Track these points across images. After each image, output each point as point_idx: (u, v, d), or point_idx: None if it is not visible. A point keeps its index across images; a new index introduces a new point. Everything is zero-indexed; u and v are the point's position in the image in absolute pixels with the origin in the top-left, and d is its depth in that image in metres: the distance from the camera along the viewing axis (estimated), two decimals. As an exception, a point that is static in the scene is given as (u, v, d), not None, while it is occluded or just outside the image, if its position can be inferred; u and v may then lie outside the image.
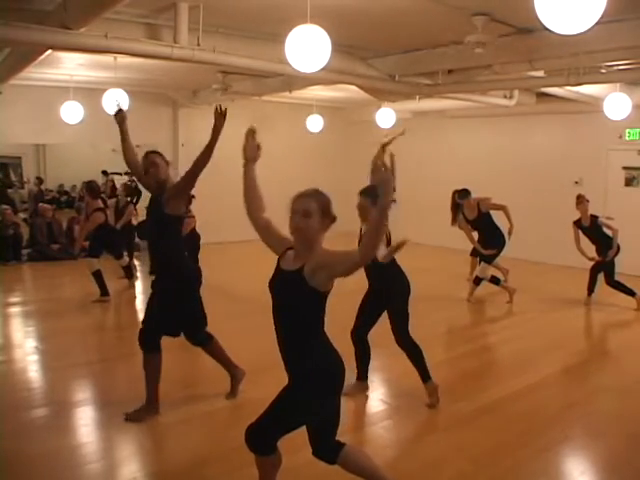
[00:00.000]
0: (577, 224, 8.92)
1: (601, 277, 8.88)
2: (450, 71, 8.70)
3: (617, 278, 8.77)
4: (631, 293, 8.74)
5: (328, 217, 3.18)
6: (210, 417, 4.97)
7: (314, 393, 3.07)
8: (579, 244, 8.92)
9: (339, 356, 3.13)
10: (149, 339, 4.93)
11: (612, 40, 6.04)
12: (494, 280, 9.15)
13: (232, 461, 4.18)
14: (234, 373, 5.33)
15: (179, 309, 4.90)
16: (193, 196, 8.60)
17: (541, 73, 8.18)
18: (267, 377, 5.60)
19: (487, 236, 8.93)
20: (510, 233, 8.77)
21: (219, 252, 11.89)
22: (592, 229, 8.80)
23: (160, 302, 4.92)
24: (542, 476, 4.20)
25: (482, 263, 9.11)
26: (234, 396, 5.28)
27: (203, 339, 5.21)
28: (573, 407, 5.40)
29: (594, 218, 8.81)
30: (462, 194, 8.99)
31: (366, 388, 5.48)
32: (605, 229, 8.78)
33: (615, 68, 7.86)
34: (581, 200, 8.86)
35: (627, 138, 11.47)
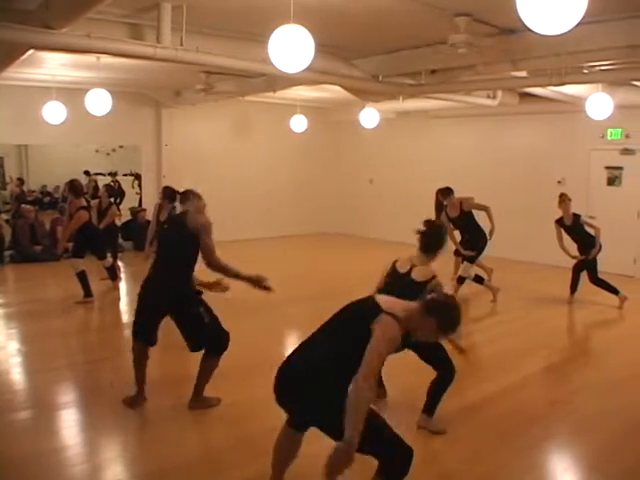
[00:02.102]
0: (559, 222, 9.00)
1: (584, 276, 8.94)
2: (433, 71, 8.72)
3: (600, 276, 8.84)
4: (614, 291, 8.82)
5: None
6: (198, 418, 4.95)
7: None
8: (562, 242, 9.00)
9: None
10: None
11: (594, 41, 6.09)
12: (478, 279, 9.20)
13: (219, 462, 4.18)
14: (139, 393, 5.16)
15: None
16: (178, 192, 8.63)
17: (524, 73, 8.23)
18: (259, 378, 5.61)
19: (469, 235, 8.98)
20: (491, 234, 8.82)
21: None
22: (574, 227, 8.88)
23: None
24: (526, 473, 4.23)
25: (464, 262, 9.16)
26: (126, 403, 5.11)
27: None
28: (557, 405, 5.44)
29: (576, 217, 8.90)
30: (446, 192, 9.03)
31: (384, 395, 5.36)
32: (587, 228, 8.85)
33: (597, 68, 7.91)
34: (563, 199, 8.95)
35: (609, 138, 11.57)
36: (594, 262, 8.84)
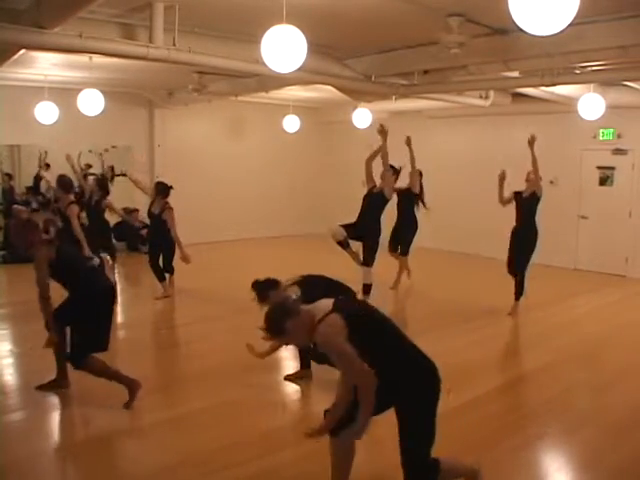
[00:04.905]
0: (516, 194, 8.93)
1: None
2: (426, 71, 8.75)
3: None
4: (518, 295, 8.51)
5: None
6: (186, 420, 4.93)
7: None
8: (502, 198, 8.98)
9: None
10: None
11: (586, 41, 6.11)
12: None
13: (206, 464, 4.17)
14: (129, 385, 5.15)
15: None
16: (171, 186, 8.89)
17: (516, 73, 8.25)
18: (247, 378, 5.62)
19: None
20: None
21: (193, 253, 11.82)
22: (528, 203, 8.74)
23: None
24: (518, 473, 4.24)
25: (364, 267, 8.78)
26: (129, 407, 5.07)
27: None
28: (549, 404, 5.46)
29: (536, 196, 8.78)
30: None
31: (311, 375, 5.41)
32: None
33: (589, 69, 7.94)
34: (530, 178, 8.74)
35: (601, 138, 11.61)
36: (530, 251, 8.58)
